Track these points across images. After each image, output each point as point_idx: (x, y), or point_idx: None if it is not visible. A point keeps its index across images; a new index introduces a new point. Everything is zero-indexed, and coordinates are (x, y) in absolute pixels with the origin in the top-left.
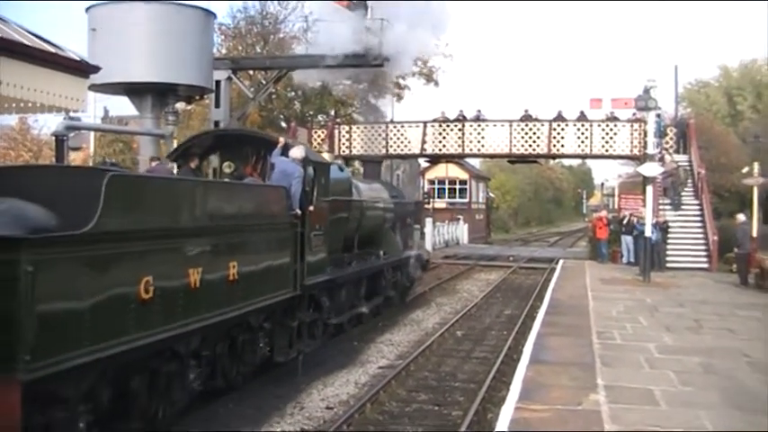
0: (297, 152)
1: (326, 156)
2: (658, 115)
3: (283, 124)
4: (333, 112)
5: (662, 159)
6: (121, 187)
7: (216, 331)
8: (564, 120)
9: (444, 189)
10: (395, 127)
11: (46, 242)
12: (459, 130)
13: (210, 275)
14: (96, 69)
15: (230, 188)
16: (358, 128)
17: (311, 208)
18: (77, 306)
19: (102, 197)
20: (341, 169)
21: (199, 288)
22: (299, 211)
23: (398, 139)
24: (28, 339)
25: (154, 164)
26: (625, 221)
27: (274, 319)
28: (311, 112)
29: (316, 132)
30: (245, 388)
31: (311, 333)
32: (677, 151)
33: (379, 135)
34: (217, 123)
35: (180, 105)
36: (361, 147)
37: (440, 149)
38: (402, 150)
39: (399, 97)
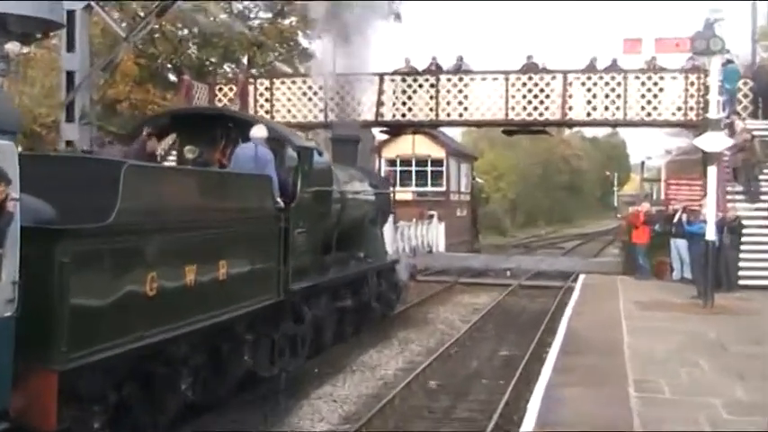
0: (259, 131)
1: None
2: (727, 62)
3: (172, 77)
4: (245, 61)
5: (731, 127)
6: (134, 178)
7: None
8: (588, 71)
9: (410, 173)
10: (338, 82)
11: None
12: (432, 86)
13: (203, 275)
14: None
15: (220, 178)
16: (284, 83)
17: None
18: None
19: (120, 188)
20: (319, 153)
21: (194, 286)
22: (281, 203)
23: (343, 99)
24: None
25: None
26: (675, 219)
27: (256, 329)
28: (213, 60)
29: (221, 89)
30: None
31: (293, 349)
32: (754, 115)
33: (315, 94)
34: (70, 75)
35: (12, 47)
36: (289, 110)
37: (403, 115)
38: (349, 116)
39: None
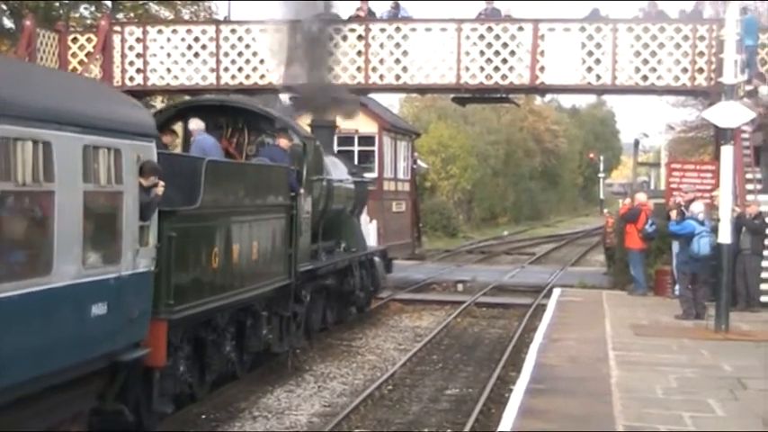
0: (195, 124)
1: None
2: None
3: (8, 22)
4: (109, 2)
5: (754, 95)
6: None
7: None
8: (567, 20)
9: None
10: (233, 31)
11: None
12: (360, 38)
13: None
14: None
15: (258, 170)
16: (161, 32)
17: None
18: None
19: (202, 179)
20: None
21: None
22: (302, 190)
23: (240, 55)
24: None
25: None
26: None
27: (270, 308)
28: (66, 0)
29: (75, 40)
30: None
31: (297, 328)
32: None
33: (204, 48)
34: None
35: None
36: (168, 69)
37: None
38: (248, 78)
39: None
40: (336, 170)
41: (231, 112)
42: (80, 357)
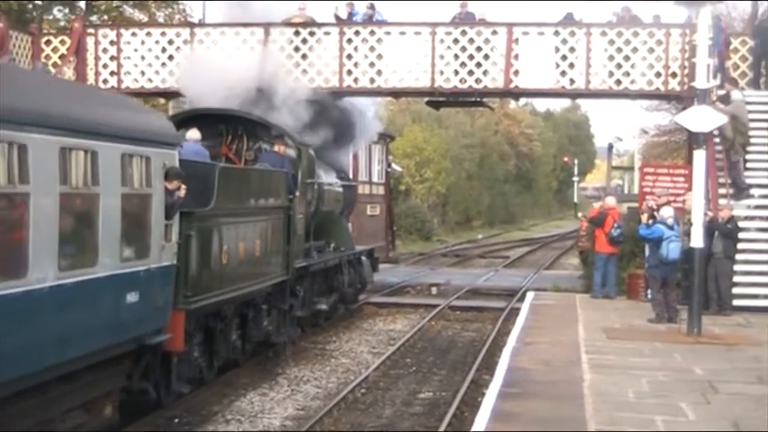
0: (193, 134)
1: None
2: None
3: None
4: (82, 4)
5: (725, 99)
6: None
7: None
8: (541, 24)
9: None
10: (208, 34)
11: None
12: (335, 43)
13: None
14: None
15: (263, 175)
16: (135, 35)
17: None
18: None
19: (216, 183)
20: (307, 145)
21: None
22: (297, 193)
23: (215, 57)
24: None
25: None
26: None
27: (269, 301)
28: (39, 2)
29: (49, 42)
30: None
31: (291, 321)
32: (755, 84)
33: (178, 50)
34: None
35: None
36: (142, 72)
37: (295, 80)
38: (225, 81)
39: None
40: (326, 174)
41: (231, 121)
42: (118, 339)
